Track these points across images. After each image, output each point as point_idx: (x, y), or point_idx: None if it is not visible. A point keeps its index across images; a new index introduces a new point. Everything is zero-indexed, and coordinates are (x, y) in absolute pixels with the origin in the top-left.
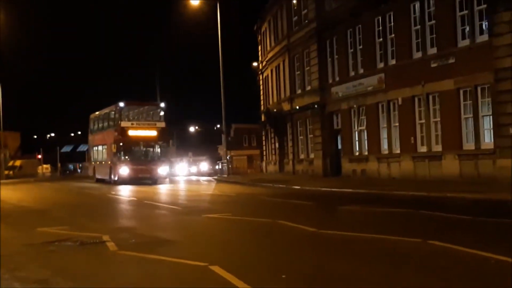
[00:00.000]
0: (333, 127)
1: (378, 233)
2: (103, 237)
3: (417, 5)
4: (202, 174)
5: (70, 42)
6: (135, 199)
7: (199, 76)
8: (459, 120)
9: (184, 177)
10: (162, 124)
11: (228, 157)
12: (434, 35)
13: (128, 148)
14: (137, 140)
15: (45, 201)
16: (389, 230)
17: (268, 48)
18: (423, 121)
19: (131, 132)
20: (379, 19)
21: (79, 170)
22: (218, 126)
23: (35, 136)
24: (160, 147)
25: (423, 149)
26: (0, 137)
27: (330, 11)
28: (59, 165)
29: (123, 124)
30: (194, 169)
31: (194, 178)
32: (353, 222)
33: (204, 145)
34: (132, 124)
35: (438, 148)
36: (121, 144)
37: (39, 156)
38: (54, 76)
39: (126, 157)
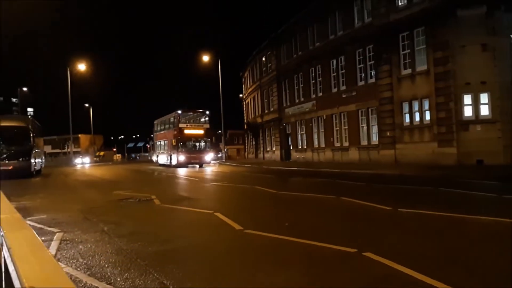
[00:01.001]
0: (286, 132)
1: (312, 193)
2: (152, 196)
3: (334, 61)
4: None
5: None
6: (173, 174)
7: (207, 104)
8: (358, 127)
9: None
10: (207, 126)
11: (225, 150)
12: (344, 78)
13: (184, 142)
14: (190, 137)
15: (118, 176)
16: (318, 191)
17: (248, 86)
18: (337, 128)
19: (186, 131)
20: (312, 69)
21: (138, 157)
22: (219, 131)
23: (112, 137)
24: (205, 142)
25: (337, 144)
26: (92, 138)
27: (284, 65)
28: (126, 154)
29: (181, 125)
30: None
31: None
32: (298, 187)
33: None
34: (187, 125)
35: (346, 144)
36: (179, 138)
37: (114, 149)
38: (120, 98)
39: (183, 148)
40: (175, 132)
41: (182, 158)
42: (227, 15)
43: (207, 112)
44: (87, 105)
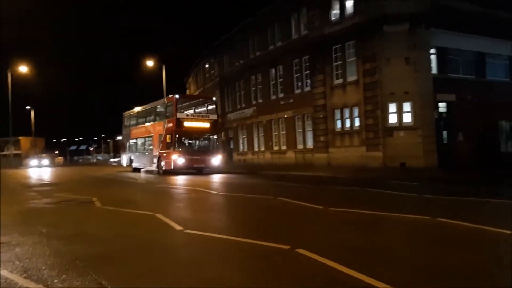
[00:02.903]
0: (229, 136)
1: (251, 193)
2: (93, 198)
3: (273, 70)
4: None
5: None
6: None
7: None
8: (294, 132)
9: None
10: (215, 117)
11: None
12: (282, 87)
13: (183, 139)
14: (192, 132)
15: (59, 179)
16: (257, 192)
17: (192, 91)
18: (276, 133)
19: (187, 124)
20: (253, 77)
21: (80, 160)
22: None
23: (54, 140)
24: (212, 139)
25: (276, 148)
26: (34, 140)
27: (227, 72)
28: (68, 157)
29: (179, 115)
30: None
31: None
32: (237, 188)
33: None
34: (187, 115)
35: (284, 147)
36: (176, 135)
37: (56, 152)
38: (63, 101)
39: (181, 148)
40: (170, 125)
41: (181, 161)
42: (172, 22)
43: (214, 99)
44: (28, 107)
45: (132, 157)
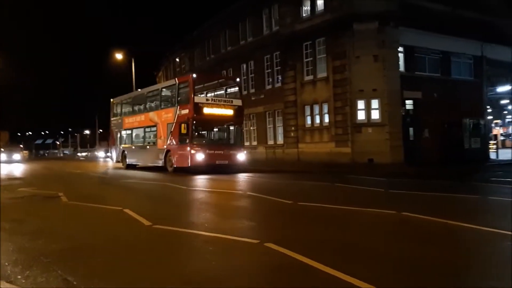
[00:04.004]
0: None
1: (222, 189)
2: (59, 193)
3: (244, 65)
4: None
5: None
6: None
7: None
8: (265, 128)
9: None
10: (239, 102)
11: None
12: (253, 82)
13: (201, 129)
14: (212, 120)
15: (24, 173)
16: (228, 187)
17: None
18: (247, 128)
19: (206, 110)
20: (224, 72)
21: (46, 154)
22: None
23: (19, 134)
24: (236, 129)
25: (247, 143)
26: None
27: (198, 66)
28: (34, 151)
29: (197, 99)
30: None
31: None
32: (208, 183)
33: None
34: (207, 100)
35: (254, 143)
36: (194, 124)
37: (21, 146)
38: (28, 94)
39: (198, 140)
40: (186, 112)
41: (200, 156)
42: (141, 14)
43: (238, 80)
44: None
45: (126, 152)
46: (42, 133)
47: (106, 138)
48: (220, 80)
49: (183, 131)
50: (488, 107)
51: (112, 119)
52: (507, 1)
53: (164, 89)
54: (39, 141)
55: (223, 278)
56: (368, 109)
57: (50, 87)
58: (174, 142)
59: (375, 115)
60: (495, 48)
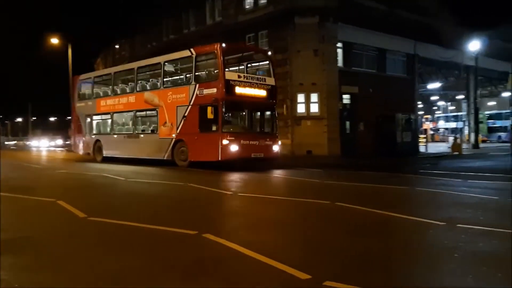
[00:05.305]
0: None
1: (164, 180)
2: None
3: None
4: (58, 146)
5: None
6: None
7: (54, 91)
8: None
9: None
10: (272, 81)
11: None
12: None
13: (231, 114)
14: (244, 103)
15: None
16: (171, 179)
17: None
18: None
19: (239, 90)
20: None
21: None
22: (69, 117)
23: None
24: (270, 114)
25: None
26: None
27: (138, 54)
28: None
29: (228, 75)
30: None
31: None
32: (150, 176)
33: (61, 129)
34: (239, 77)
35: None
36: (225, 106)
37: None
38: None
39: (230, 127)
40: (213, 92)
41: (234, 147)
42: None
43: (269, 53)
44: None
45: (101, 142)
46: None
47: (41, 126)
48: (251, 52)
49: (210, 116)
50: (419, 102)
51: (76, 102)
52: (439, 4)
53: (167, 63)
54: None
55: (158, 271)
56: (307, 102)
57: None
58: (190, 130)
59: (314, 108)
60: (427, 47)
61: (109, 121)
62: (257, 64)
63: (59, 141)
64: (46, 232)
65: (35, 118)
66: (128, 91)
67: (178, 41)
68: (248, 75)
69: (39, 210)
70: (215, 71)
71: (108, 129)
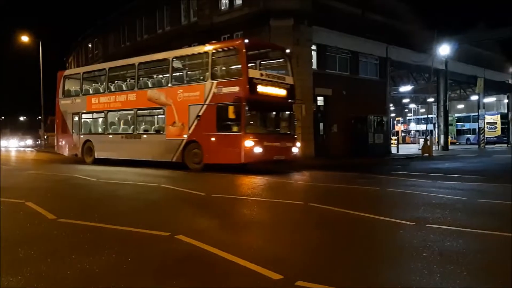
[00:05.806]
0: None
1: (136, 181)
2: None
3: None
4: (28, 146)
5: None
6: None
7: (24, 90)
8: None
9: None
10: (291, 80)
11: (45, 137)
12: None
13: (253, 113)
14: (266, 102)
15: None
16: (140, 180)
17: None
18: None
19: (261, 89)
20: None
21: None
22: (39, 117)
23: None
24: (289, 114)
25: None
26: None
27: (112, 53)
28: None
29: (252, 73)
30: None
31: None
32: (121, 175)
33: (31, 129)
34: (261, 75)
35: None
36: (248, 106)
37: None
38: None
39: (253, 128)
40: (235, 90)
41: (258, 150)
42: None
43: (287, 50)
44: None
45: (92, 142)
46: None
47: (10, 126)
48: (269, 50)
49: (231, 115)
50: (391, 105)
51: (61, 99)
52: (411, 8)
53: (176, 59)
54: None
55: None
56: None
57: None
58: (206, 131)
59: None
60: (399, 50)
61: (103, 120)
62: (271, 61)
63: (29, 141)
64: (14, 233)
65: (3, 117)
66: (126, 88)
67: (152, 41)
68: (268, 73)
69: (7, 211)
70: (237, 69)
71: (101, 129)
